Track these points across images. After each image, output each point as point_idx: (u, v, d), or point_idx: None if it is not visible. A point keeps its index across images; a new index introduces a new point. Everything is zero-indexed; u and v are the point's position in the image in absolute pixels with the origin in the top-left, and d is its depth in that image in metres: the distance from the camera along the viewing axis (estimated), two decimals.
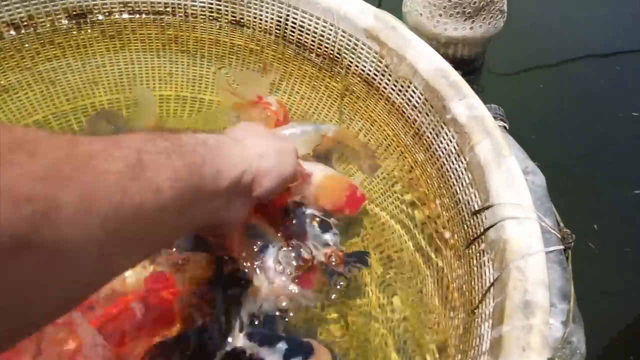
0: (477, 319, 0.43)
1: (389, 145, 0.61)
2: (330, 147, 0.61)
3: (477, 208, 0.48)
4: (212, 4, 0.67)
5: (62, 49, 0.64)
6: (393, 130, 0.60)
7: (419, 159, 0.57)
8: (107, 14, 0.66)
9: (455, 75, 0.53)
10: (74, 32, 0.63)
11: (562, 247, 0.43)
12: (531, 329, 0.37)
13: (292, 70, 0.67)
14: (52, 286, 0.24)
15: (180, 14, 0.67)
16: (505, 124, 0.60)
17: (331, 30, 0.61)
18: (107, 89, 0.65)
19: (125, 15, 0.67)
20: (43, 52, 0.63)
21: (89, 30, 0.64)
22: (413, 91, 0.56)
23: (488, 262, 0.44)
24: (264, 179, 0.43)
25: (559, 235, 0.44)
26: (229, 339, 0.44)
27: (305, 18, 0.63)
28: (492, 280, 0.43)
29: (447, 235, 0.53)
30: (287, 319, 0.47)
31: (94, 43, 0.65)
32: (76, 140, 0.27)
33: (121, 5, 0.66)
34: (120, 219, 0.27)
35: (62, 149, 0.25)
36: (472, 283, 0.46)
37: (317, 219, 0.53)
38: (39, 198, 0.22)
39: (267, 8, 0.65)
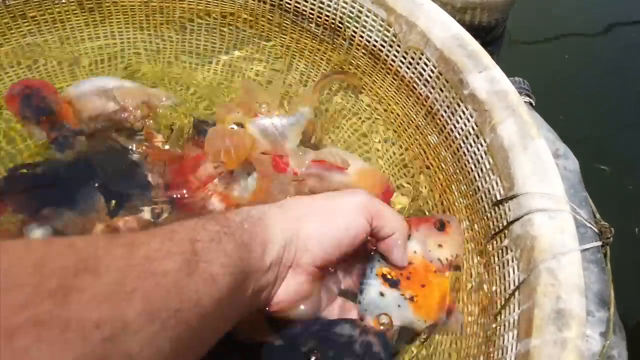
0: (499, 327, 0.38)
1: (399, 126, 0.55)
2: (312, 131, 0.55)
3: (499, 198, 0.41)
4: None
5: (37, 23, 0.58)
6: (403, 109, 0.54)
7: (432, 142, 0.51)
8: None
9: (474, 44, 0.46)
10: (48, 4, 0.57)
11: (599, 243, 0.37)
12: (565, 344, 0.32)
13: (289, 43, 0.60)
14: None
15: None
16: (531, 100, 0.52)
17: None
18: (88, 68, 0.59)
19: None
20: (15, 28, 0.57)
21: (65, 2, 0.58)
22: (425, 63, 0.49)
23: (512, 261, 0.38)
24: (307, 244, 0.37)
25: (596, 230, 0.37)
26: None
27: None
28: (517, 283, 0.37)
29: (467, 223, 0.47)
30: None
31: (72, 17, 0.59)
32: (134, 243, 0.27)
33: None
34: (181, 322, 0.26)
35: (123, 258, 0.25)
36: (495, 284, 0.41)
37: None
38: (107, 320, 0.22)
39: None
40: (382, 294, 0.40)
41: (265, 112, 0.51)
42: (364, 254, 0.43)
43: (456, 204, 0.48)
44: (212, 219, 0.33)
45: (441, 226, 0.42)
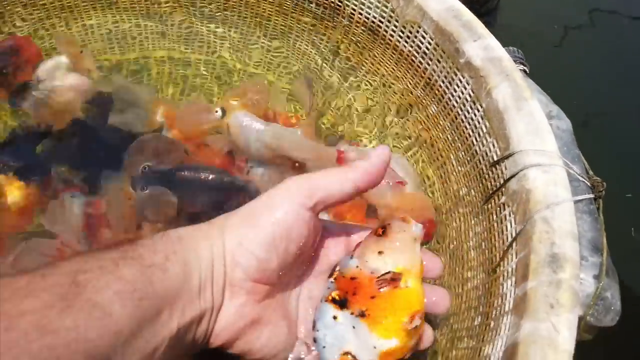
0: (498, 278, 0.40)
1: (399, 99, 0.57)
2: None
3: (495, 158, 0.43)
4: None
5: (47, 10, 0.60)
6: (402, 82, 0.56)
7: (431, 112, 0.53)
8: None
9: (469, 15, 0.48)
10: None
11: (592, 195, 0.39)
12: (560, 284, 0.34)
13: (291, 24, 0.62)
14: None
15: None
16: (525, 68, 0.54)
17: None
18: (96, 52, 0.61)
19: None
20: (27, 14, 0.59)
21: None
22: (422, 36, 0.51)
23: (509, 215, 0.40)
24: (236, 255, 0.32)
25: (588, 184, 0.39)
26: None
27: None
28: (514, 235, 0.39)
29: (463, 191, 0.49)
30: None
31: (80, 3, 0.61)
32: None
33: None
34: None
35: None
36: (492, 240, 0.43)
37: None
38: None
39: None
40: (334, 317, 0.34)
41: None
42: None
43: (454, 173, 0.50)
44: (113, 248, 0.29)
45: (382, 232, 0.36)
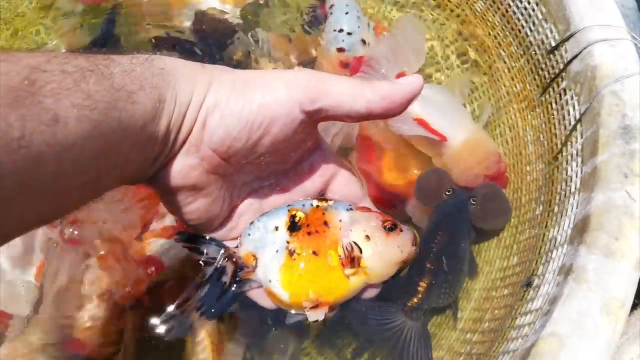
0: (561, 164, 0.38)
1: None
2: None
3: (554, 44, 0.41)
4: None
5: None
6: None
7: (478, 9, 0.50)
8: None
9: None
10: None
11: None
12: (634, 154, 0.32)
13: None
14: None
15: None
16: None
17: None
18: None
19: None
20: None
21: None
22: None
23: (571, 99, 0.38)
24: (208, 117, 0.28)
25: None
26: None
27: None
28: (577, 117, 0.37)
29: (518, 87, 0.46)
30: None
31: None
32: None
33: None
34: None
35: None
36: (552, 130, 0.41)
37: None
38: None
39: None
40: (276, 229, 0.33)
41: None
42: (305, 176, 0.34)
43: (506, 71, 0.48)
44: (82, 55, 0.25)
45: (390, 228, 0.33)
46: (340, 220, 0.33)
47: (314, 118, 0.30)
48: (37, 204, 0.23)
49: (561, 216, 0.35)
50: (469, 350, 0.36)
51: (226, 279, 0.34)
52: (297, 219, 0.33)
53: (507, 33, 0.47)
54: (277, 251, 0.33)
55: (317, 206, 0.34)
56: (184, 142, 0.29)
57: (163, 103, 0.27)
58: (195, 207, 0.31)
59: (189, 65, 0.29)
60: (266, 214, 0.34)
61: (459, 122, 0.45)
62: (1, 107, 0.20)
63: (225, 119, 0.28)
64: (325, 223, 0.33)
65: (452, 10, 0.53)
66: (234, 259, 0.34)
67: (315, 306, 0.32)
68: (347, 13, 0.51)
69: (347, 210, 0.34)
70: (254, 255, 0.34)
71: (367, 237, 0.33)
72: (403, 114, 0.40)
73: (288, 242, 0.33)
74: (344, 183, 0.35)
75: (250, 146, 0.29)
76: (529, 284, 0.34)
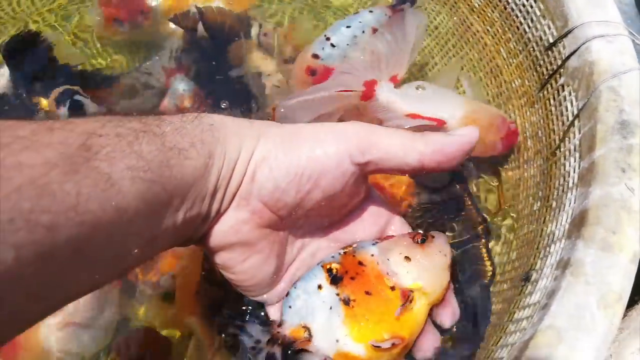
0: (559, 160, 0.38)
1: None
2: None
3: (552, 40, 0.41)
4: None
5: None
6: None
7: (476, 5, 0.50)
8: None
9: None
10: None
11: None
12: (631, 149, 0.32)
13: None
14: None
15: None
16: None
17: None
18: None
19: None
20: None
21: None
22: None
23: (569, 95, 0.38)
24: (257, 170, 0.28)
25: None
26: None
27: None
28: (575, 113, 0.37)
29: (516, 84, 0.47)
30: None
31: None
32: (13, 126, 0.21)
33: None
34: (37, 230, 0.19)
35: None
36: (550, 125, 0.41)
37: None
38: None
39: None
40: (319, 287, 0.31)
41: None
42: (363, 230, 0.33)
43: (505, 67, 0.48)
44: (136, 118, 0.25)
45: (422, 240, 0.32)
46: (372, 255, 0.32)
47: (364, 171, 0.29)
48: (92, 269, 0.23)
49: (559, 211, 0.36)
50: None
51: None
52: (334, 271, 0.31)
53: (506, 29, 0.47)
54: (330, 308, 0.30)
55: (345, 252, 0.32)
56: (233, 196, 0.28)
57: (212, 159, 0.27)
58: (248, 265, 0.30)
59: (237, 121, 0.29)
60: (299, 281, 0.32)
61: (451, 103, 0.44)
62: (58, 176, 0.20)
63: (274, 172, 0.28)
64: (360, 263, 0.31)
65: (451, 7, 0.53)
66: (279, 341, 0.30)
67: (391, 341, 0.29)
68: (347, 27, 0.49)
69: (373, 245, 0.32)
70: (304, 327, 0.30)
71: (407, 258, 0.31)
72: (394, 114, 0.40)
73: (338, 294, 0.30)
74: (398, 230, 0.34)
75: (300, 199, 0.29)
76: (527, 279, 0.34)
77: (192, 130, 0.26)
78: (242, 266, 0.30)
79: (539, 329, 0.28)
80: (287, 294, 0.32)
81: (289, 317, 0.31)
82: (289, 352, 0.30)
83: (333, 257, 0.32)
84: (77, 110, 0.47)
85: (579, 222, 0.31)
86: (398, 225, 0.34)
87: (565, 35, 0.39)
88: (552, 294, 0.29)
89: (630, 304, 0.38)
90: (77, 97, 0.47)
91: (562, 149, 0.38)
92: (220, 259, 0.30)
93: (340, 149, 0.28)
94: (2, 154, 0.19)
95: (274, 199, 0.28)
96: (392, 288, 0.30)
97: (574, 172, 0.35)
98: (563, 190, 0.36)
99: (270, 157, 0.28)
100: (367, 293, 0.30)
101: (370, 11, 0.49)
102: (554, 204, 0.37)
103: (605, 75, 0.35)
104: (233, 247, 0.29)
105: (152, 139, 0.24)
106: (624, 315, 0.39)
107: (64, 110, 0.47)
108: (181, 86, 0.49)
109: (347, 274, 0.31)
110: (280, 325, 0.31)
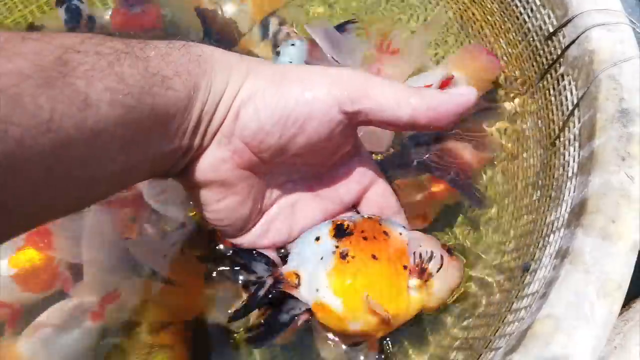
0: (559, 149, 0.38)
1: None
2: None
3: (552, 30, 0.41)
4: None
5: None
6: None
7: None
8: None
9: None
10: None
11: None
12: (631, 137, 0.32)
13: None
14: None
15: None
16: None
17: None
18: None
19: None
20: None
21: None
22: None
23: (569, 84, 0.38)
24: (242, 109, 0.27)
25: None
26: None
27: None
28: (575, 102, 0.37)
29: (516, 74, 0.46)
30: None
31: None
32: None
33: None
34: (8, 140, 0.18)
35: None
36: (550, 115, 0.41)
37: None
38: None
39: None
40: (317, 239, 0.31)
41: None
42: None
43: (505, 57, 0.48)
44: (119, 38, 0.24)
45: (450, 251, 0.33)
46: (401, 234, 0.31)
47: (353, 121, 0.28)
48: (64, 191, 0.22)
49: (559, 201, 0.35)
50: (466, 335, 0.36)
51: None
52: (345, 226, 0.31)
53: (506, 19, 0.47)
54: (321, 259, 0.30)
55: (370, 218, 0.32)
56: (215, 133, 0.27)
57: (197, 91, 0.26)
58: (224, 205, 0.30)
59: (227, 54, 0.28)
60: (306, 230, 0.33)
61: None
62: (31, 88, 0.19)
63: (259, 112, 0.27)
64: (386, 233, 0.31)
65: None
66: (278, 278, 0.31)
67: (371, 313, 0.29)
68: (292, 45, 0.48)
69: (403, 227, 0.32)
70: (296, 273, 0.31)
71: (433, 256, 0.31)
72: None
73: (337, 247, 0.30)
74: (380, 193, 0.34)
75: (283, 143, 0.28)
76: (526, 269, 0.34)
77: (179, 58, 0.25)
78: (217, 205, 0.30)
79: (537, 318, 0.27)
80: (294, 240, 0.33)
81: (290, 260, 0.32)
82: (274, 292, 0.31)
83: (352, 217, 0.32)
84: (74, 15, 0.48)
85: (578, 211, 0.31)
86: (380, 189, 0.34)
87: (565, 24, 0.39)
88: (551, 283, 0.29)
89: (636, 295, 0.38)
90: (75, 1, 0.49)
91: (561, 139, 0.38)
92: (197, 195, 0.30)
93: (332, 94, 0.27)
94: None
95: (256, 140, 0.27)
96: (405, 267, 0.30)
97: (574, 161, 0.35)
98: (563, 180, 0.36)
99: (257, 96, 0.27)
100: (374, 257, 0.30)
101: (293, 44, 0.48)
102: (553, 194, 0.37)
103: (605, 63, 0.35)
104: (210, 185, 0.29)
105: (134, 62, 0.23)
106: (629, 307, 0.39)
107: (61, 13, 0.49)
108: None
109: (362, 233, 0.31)
110: (277, 264, 0.32)
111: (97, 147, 0.22)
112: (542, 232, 0.35)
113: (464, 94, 0.28)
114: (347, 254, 0.30)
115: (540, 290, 0.30)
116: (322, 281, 0.30)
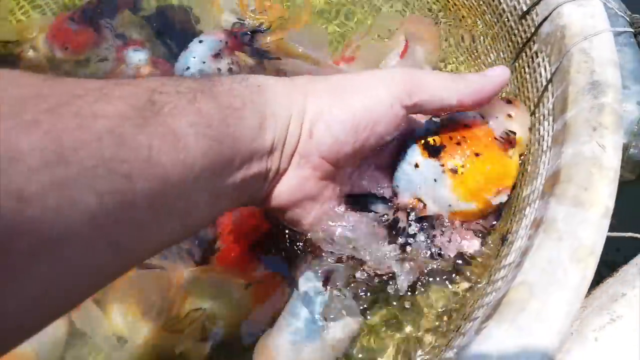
0: (533, 127, 0.38)
1: None
2: None
3: (525, 9, 0.41)
4: None
5: None
6: None
7: None
8: None
9: None
10: None
11: (631, 30, 0.36)
12: (602, 108, 0.32)
13: None
14: (29, 280, 0.18)
15: None
16: None
17: None
18: None
19: None
20: None
21: None
22: None
23: (543, 61, 0.38)
24: (313, 128, 0.29)
25: (627, 19, 0.37)
26: None
27: None
28: (549, 78, 0.37)
29: (492, 57, 0.47)
30: None
31: None
32: (57, 80, 0.21)
33: None
34: (117, 178, 0.19)
35: (33, 86, 0.19)
36: (525, 93, 0.41)
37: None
38: None
39: None
40: (416, 166, 0.33)
41: None
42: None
43: (482, 39, 0.48)
44: (191, 78, 0.27)
45: (508, 101, 0.36)
46: (475, 117, 0.34)
47: (410, 111, 0.31)
48: (165, 225, 0.23)
49: (534, 175, 0.36)
50: (446, 306, 0.36)
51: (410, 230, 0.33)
52: (432, 142, 0.33)
53: (481, 2, 0.47)
54: (435, 180, 0.33)
55: (435, 120, 0.34)
56: (291, 155, 0.30)
57: (264, 119, 0.27)
58: (314, 215, 0.32)
59: (280, 81, 0.30)
60: (399, 161, 0.34)
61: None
62: (131, 127, 0.21)
63: (331, 127, 0.29)
64: (466, 125, 0.34)
65: None
66: (408, 208, 0.34)
67: (498, 192, 0.33)
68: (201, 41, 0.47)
69: (470, 112, 0.34)
70: (418, 199, 0.34)
71: (509, 115, 0.35)
72: None
73: (442, 165, 0.33)
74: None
75: (358, 147, 0.30)
76: (503, 240, 0.34)
77: (242, 91, 0.27)
78: (309, 218, 0.32)
79: (512, 286, 0.28)
80: (395, 172, 0.34)
81: (400, 194, 0.34)
82: (412, 219, 0.33)
83: (427, 129, 0.34)
84: None
85: (551, 182, 0.31)
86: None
87: (538, 2, 0.39)
88: (526, 252, 0.29)
89: (596, 283, 0.38)
90: None
91: (536, 114, 0.38)
92: (289, 215, 0.32)
93: (392, 93, 0.30)
94: (78, 103, 0.20)
95: (333, 152, 0.30)
96: (496, 139, 0.34)
97: (548, 135, 0.36)
98: (538, 154, 0.36)
99: (324, 113, 0.29)
100: (477, 155, 0.33)
101: (201, 41, 0.48)
102: (529, 169, 0.37)
103: (576, 38, 0.35)
104: (300, 203, 0.31)
105: (208, 98, 0.25)
106: (589, 294, 0.39)
107: None
108: (136, 56, 0.48)
109: (451, 140, 0.33)
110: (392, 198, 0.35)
111: (189, 179, 0.23)
112: (519, 206, 0.36)
113: (499, 74, 0.32)
114: (456, 169, 0.33)
115: (516, 260, 0.30)
116: (450, 198, 0.33)
